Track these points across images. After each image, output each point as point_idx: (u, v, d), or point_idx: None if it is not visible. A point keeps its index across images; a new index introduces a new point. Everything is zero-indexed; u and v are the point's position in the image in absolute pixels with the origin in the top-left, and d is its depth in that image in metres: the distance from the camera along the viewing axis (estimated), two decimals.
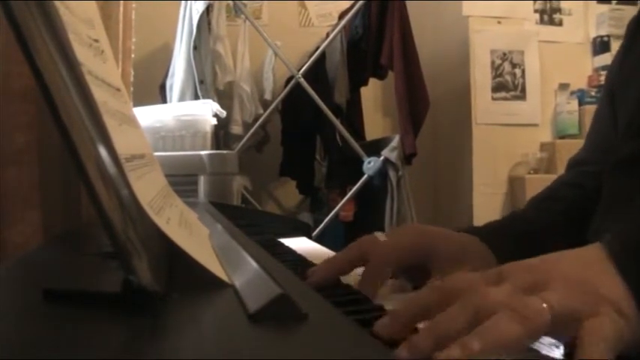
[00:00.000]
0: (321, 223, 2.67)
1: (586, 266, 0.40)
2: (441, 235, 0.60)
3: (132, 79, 1.29)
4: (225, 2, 2.76)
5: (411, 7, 2.69)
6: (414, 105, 2.63)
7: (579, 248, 0.42)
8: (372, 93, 3.39)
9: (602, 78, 3.13)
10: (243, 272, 0.41)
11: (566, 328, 0.36)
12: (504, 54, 3.10)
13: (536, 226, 0.70)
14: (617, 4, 3.23)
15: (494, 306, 0.35)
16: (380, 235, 0.59)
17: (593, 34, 3.24)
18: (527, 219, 0.72)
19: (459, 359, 0.32)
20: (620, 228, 0.44)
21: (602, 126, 0.75)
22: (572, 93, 3.15)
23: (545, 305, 0.35)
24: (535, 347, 0.38)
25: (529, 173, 2.97)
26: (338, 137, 2.84)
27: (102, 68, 0.40)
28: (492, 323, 0.34)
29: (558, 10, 3.22)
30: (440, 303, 0.37)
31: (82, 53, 0.33)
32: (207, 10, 2.63)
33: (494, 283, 0.38)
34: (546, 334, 0.36)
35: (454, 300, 0.36)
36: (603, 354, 0.34)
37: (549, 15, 3.21)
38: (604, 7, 3.23)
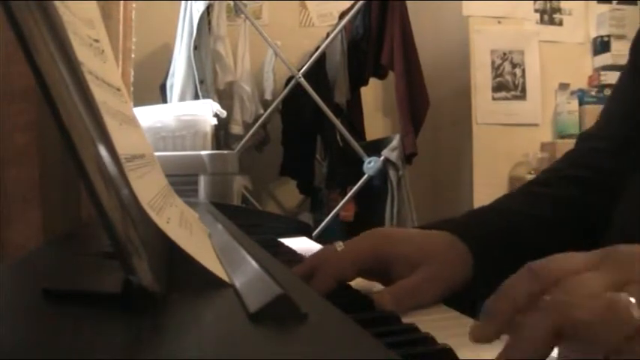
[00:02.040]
0: (321, 223, 2.67)
1: None
2: (400, 238, 0.57)
3: (132, 79, 1.29)
4: (225, 2, 2.76)
5: (412, 7, 2.69)
6: (414, 105, 2.63)
7: None
8: (372, 93, 3.39)
9: (603, 78, 3.13)
10: (244, 272, 0.41)
11: None
12: (504, 54, 3.10)
13: (526, 219, 0.64)
14: (617, 4, 3.23)
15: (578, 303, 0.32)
16: (339, 245, 0.56)
17: (593, 34, 3.24)
18: (512, 209, 0.66)
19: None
20: None
21: (624, 99, 0.69)
22: (572, 93, 3.15)
23: (633, 301, 0.30)
24: None
25: (529, 173, 2.97)
26: (338, 137, 2.84)
27: (102, 68, 0.40)
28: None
29: (558, 10, 3.21)
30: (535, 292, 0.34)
31: (82, 53, 0.33)
32: (208, 10, 2.64)
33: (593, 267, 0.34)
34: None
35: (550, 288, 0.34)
36: None
37: (549, 15, 3.21)
38: (604, 7, 3.23)
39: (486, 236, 0.59)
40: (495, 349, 0.34)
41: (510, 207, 0.67)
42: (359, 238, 0.58)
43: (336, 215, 2.70)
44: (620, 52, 3.12)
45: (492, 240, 0.59)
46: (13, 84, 0.71)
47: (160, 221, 0.35)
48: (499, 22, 3.11)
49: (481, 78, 3.07)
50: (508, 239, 0.61)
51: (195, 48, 2.62)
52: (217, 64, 2.70)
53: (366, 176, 2.63)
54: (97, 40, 0.43)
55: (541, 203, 0.66)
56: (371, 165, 2.61)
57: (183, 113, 1.92)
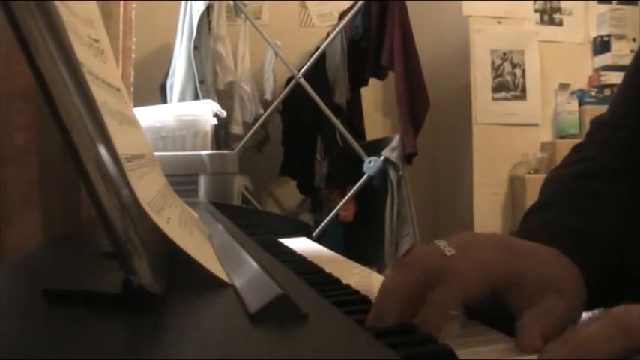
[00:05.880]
0: (321, 223, 2.67)
1: None
2: (530, 255, 0.44)
3: (132, 79, 1.29)
4: (225, 2, 2.76)
5: (412, 7, 2.69)
6: (414, 105, 2.63)
7: None
8: (372, 93, 3.39)
9: (603, 78, 3.13)
10: (244, 272, 0.41)
11: None
12: (504, 54, 3.10)
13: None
14: (617, 4, 3.23)
15: None
16: (447, 249, 0.42)
17: (593, 34, 3.24)
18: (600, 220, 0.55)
19: None
20: None
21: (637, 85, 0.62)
22: (572, 93, 3.15)
23: None
24: None
25: (529, 173, 2.97)
26: (338, 137, 2.84)
27: (102, 68, 0.40)
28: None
29: (558, 10, 3.21)
30: None
31: (82, 53, 0.33)
32: (208, 10, 2.63)
33: None
34: None
35: None
36: None
37: (549, 15, 3.21)
38: (604, 7, 3.23)
39: (596, 264, 0.50)
40: (495, 349, 0.34)
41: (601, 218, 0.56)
42: (477, 247, 0.43)
43: (336, 215, 2.70)
44: (620, 52, 3.12)
45: (599, 268, 0.50)
46: (13, 84, 0.71)
47: (159, 221, 0.35)
48: (499, 22, 3.11)
49: (481, 78, 3.07)
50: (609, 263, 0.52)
51: (195, 48, 2.62)
52: (217, 64, 2.70)
53: (366, 176, 2.62)
54: (97, 40, 0.43)
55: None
56: (371, 165, 2.61)
57: (184, 113, 1.92)
